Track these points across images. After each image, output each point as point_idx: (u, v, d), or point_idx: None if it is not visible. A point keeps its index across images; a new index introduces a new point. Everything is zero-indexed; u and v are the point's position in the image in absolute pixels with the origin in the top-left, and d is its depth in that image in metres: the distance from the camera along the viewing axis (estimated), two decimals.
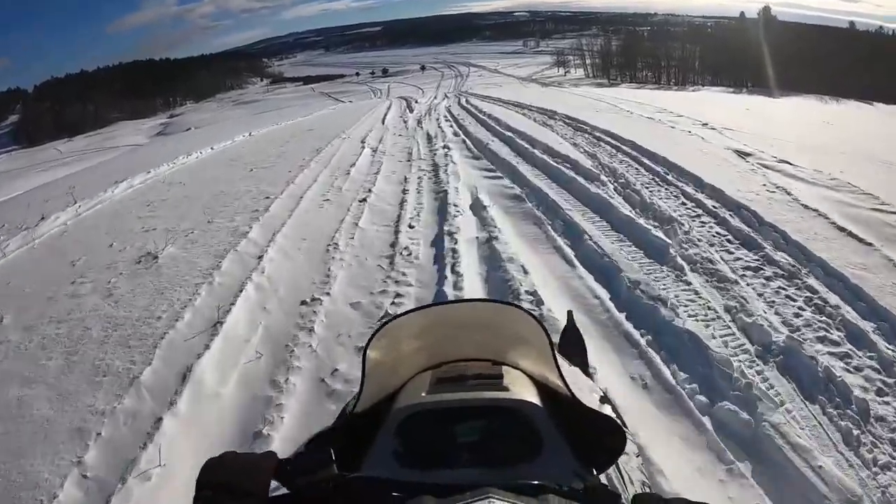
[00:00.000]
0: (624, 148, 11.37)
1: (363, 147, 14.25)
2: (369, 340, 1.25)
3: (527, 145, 12.15)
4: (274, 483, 0.91)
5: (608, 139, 12.52)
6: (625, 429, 1.23)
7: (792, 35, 70.63)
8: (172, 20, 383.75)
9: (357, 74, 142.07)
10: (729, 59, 69.86)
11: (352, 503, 0.93)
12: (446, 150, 12.58)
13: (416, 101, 33.42)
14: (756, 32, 68.42)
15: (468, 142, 13.94)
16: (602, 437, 1.17)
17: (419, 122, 19.76)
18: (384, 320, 1.68)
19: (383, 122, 20.45)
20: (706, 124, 14.86)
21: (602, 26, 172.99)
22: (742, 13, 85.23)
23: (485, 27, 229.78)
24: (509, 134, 14.03)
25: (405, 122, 20.41)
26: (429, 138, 15.21)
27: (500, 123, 16.30)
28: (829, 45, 63.48)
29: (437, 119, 19.98)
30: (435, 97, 39.25)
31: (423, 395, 1.25)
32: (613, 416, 1.28)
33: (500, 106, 23.12)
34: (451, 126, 17.38)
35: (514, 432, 1.16)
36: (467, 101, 27.61)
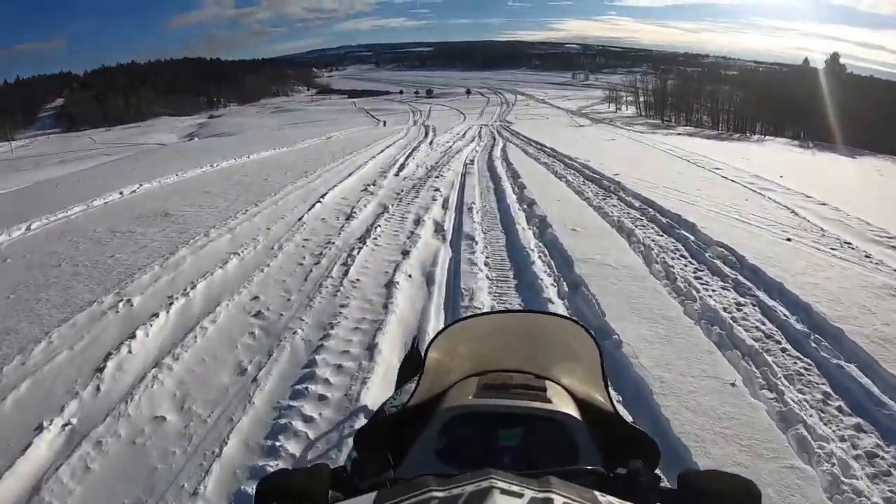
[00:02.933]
0: None
1: None
2: (432, 341, 1.33)
3: None
4: None
5: None
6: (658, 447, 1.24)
7: (863, 88, 60.19)
8: (228, 22, 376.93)
9: (400, 93, 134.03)
10: (789, 108, 58.64)
11: None
12: None
13: (430, 144, 22.24)
14: (822, 82, 56.70)
15: None
16: (636, 452, 1.11)
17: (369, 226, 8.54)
18: (447, 323, 1.67)
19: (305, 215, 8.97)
20: None
21: (653, 64, 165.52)
22: (806, 59, 73.76)
23: (534, 56, 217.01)
24: None
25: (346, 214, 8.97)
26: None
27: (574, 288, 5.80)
28: None
29: (421, 214, 8.85)
30: (462, 135, 28.03)
31: (470, 398, 1.27)
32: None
33: (555, 169, 14.32)
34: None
35: (553, 441, 1.17)
36: (504, 149, 19.19)
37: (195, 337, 4.89)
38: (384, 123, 55.29)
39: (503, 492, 0.63)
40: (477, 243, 7.23)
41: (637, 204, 9.53)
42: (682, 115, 72.13)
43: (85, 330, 5.22)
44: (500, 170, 13.85)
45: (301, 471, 0.95)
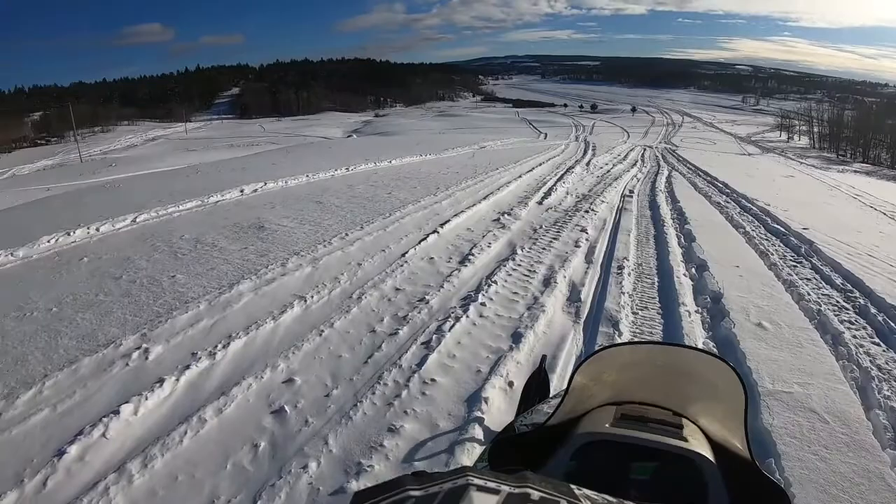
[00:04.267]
0: None
1: None
2: (581, 363, 1.26)
3: None
4: None
5: None
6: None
7: None
8: (399, 27, 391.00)
9: (564, 105, 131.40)
10: None
11: None
12: None
13: (587, 165, 20.34)
14: None
15: None
16: (768, 502, 1.10)
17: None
18: (597, 348, 1.58)
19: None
20: None
21: (828, 91, 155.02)
22: None
23: (703, 76, 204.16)
24: None
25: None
26: None
27: None
28: None
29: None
30: (623, 157, 25.69)
31: (607, 426, 1.21)
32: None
33: (730, 213, 11.69)
34: None
35: (684, 480, 1.11)
36: (669, 180, 17.67)
37: (185, 432, 3.45)
38: (545, 136, 53.45)
39: (479, 489, 0.62)
40: (622, 334, 4.99)
41: (838, 281, 6.86)
42: (859, 149, 64.44)
43: (81, 384, 4.08)
44: (664, 208, 11.45)
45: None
